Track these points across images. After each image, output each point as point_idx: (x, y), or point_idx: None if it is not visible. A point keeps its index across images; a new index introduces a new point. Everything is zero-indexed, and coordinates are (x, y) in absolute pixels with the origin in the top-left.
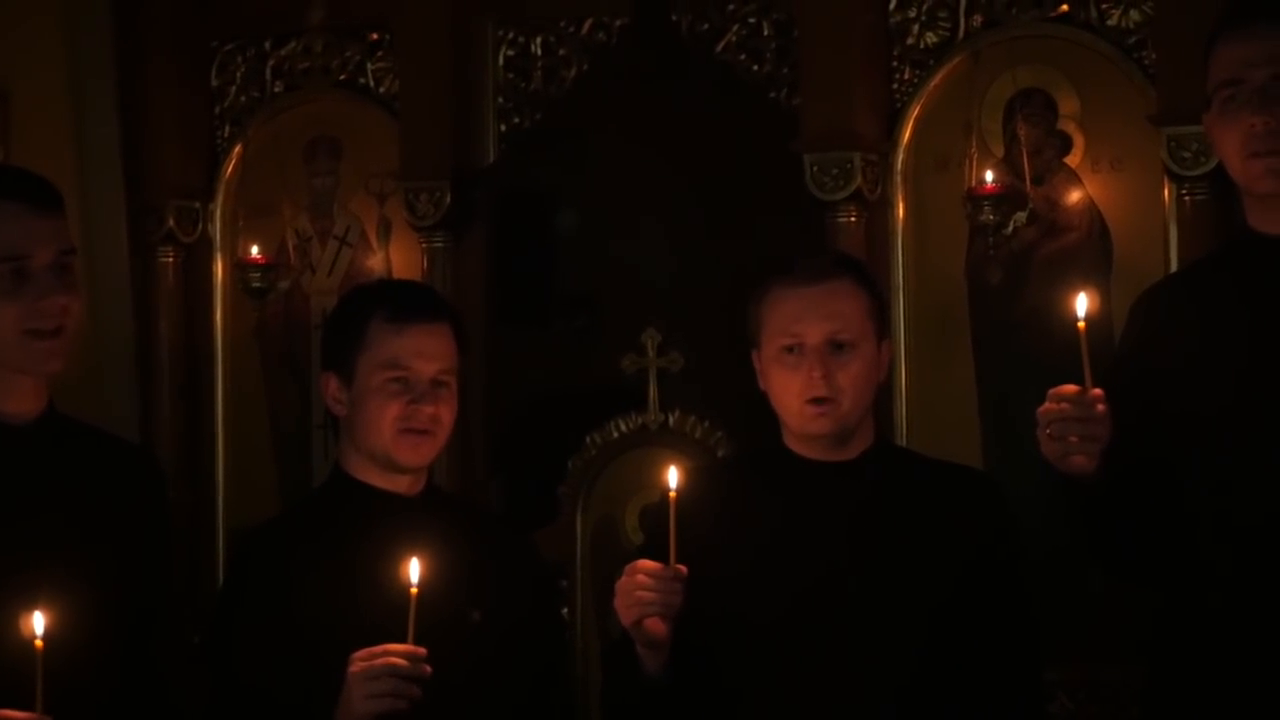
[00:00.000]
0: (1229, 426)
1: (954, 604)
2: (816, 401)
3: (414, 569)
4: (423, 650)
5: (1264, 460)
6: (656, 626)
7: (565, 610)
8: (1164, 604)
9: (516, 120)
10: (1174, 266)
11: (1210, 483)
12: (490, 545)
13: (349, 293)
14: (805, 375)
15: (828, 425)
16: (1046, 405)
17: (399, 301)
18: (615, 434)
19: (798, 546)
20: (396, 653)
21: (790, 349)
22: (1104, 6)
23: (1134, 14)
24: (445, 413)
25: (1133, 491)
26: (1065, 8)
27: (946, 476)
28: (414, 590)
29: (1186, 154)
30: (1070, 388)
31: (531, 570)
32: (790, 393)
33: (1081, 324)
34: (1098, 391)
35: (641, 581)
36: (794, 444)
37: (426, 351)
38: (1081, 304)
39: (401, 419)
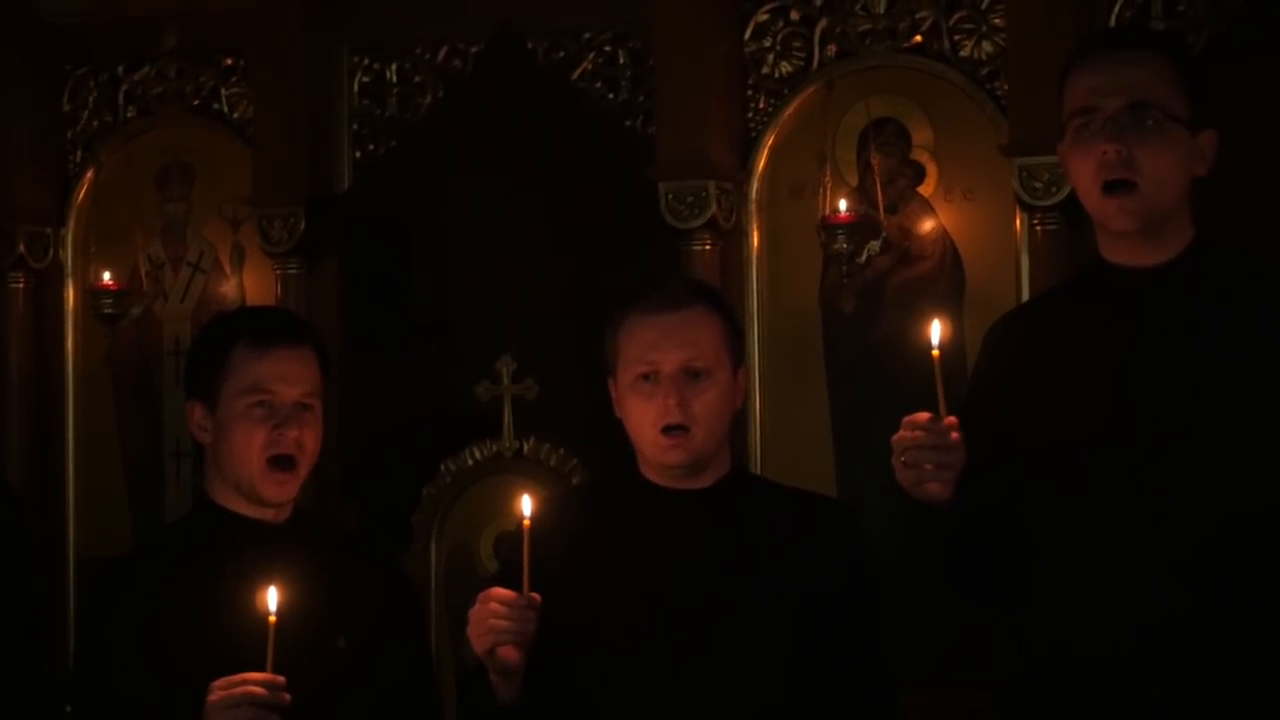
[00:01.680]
0: (1082, 454)
1: (807, 631)
2: (671, 431)
3: (271, 597)
4: (281, 679)
5: (1116, 486)
6: (510, 654)
7: None
8: (1016, 631)
9: (371, 147)
10: (1026, 295)
11: (1063, 510)
12: (356, 571)
13: (211, 320)
14: (661, 403)
15: (682, 456)
16: (901, 433)
17: (261, 327)
18: (470, 461)
19: (652, 575)
20: (255, 681)
21: (646, 377)
22: (956, 38)
23: (986, 45)
24: (310, 437)
25: (986, 519)
26: (919, 38)
27: (802, 504)
28: (272, 619)
29: (1038, 184)
30: (924, 415)
31: (399, 595)
32: (646, 421)
33: (935, 351)
34: (952, 419)
35: (495, 610)
36: (649, 471)
37: (289, 375)
38: (935, 331)
39: (267, 445)
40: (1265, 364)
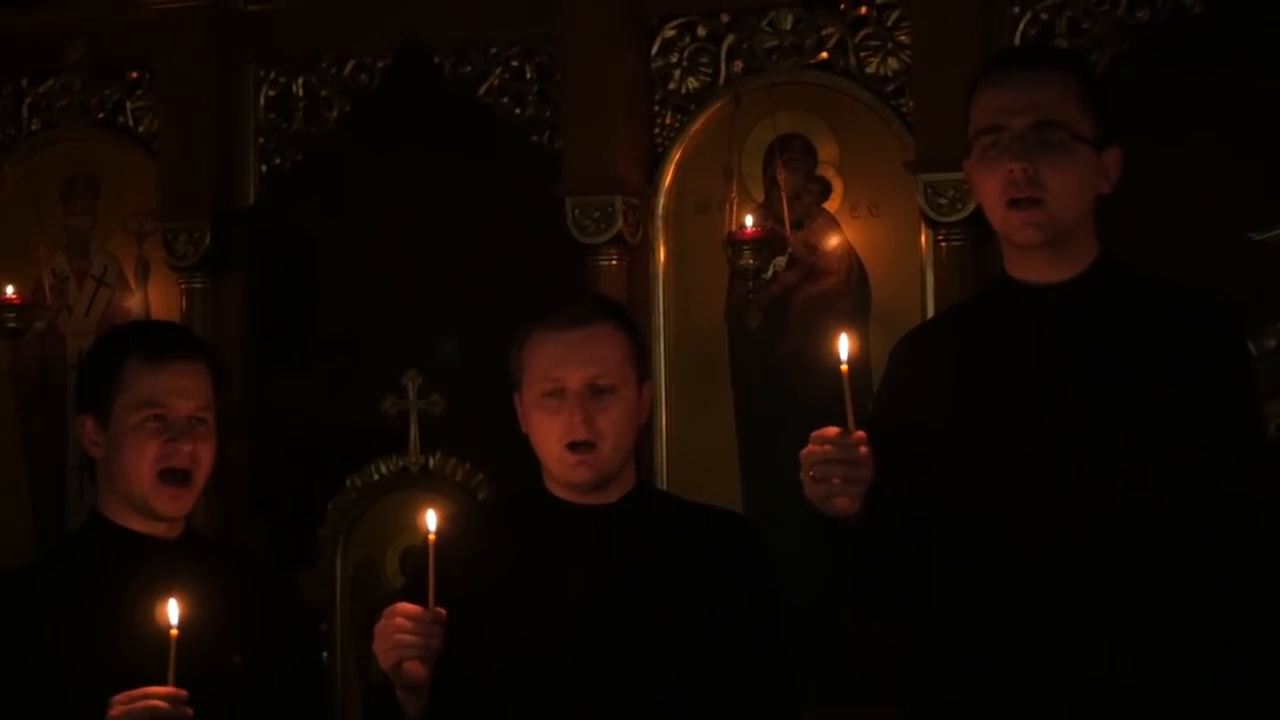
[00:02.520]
0: (986, 470)
1: (712, 646)
2: (577, 447)
3: (173, 610)
4: (183, 692)
5: (1022, 506)
6: (416, 669)
7: (325, 654)
8: (920, 648)
9: (278, 161)
10: (931, 311)
11: (971, 532)
12: (251, 587)
13: (104, 334)
14: (566, 419)
15: (588, 473)
16: (809, 447)
17: (154, 341)
18: (376, 476)
19: (557, 590)
20: (157, 695)
21: (552, 393)
22: (863, 54)
23: (892, 62)
24: (204, 451)
25: (893, 535)
26: (825, 55)
27: (707, 520)
28: (174, 632)
29: (943, 200)
30: (833, 430)
31: (293, 612)
32: (551, 437)
33: (844, 366)
34: (860, 434)
35: (400, 625)
36: (554, 487)
37: (183, 390)
38: (844, 346)
39: (160, 459)
40: (1169, 382)
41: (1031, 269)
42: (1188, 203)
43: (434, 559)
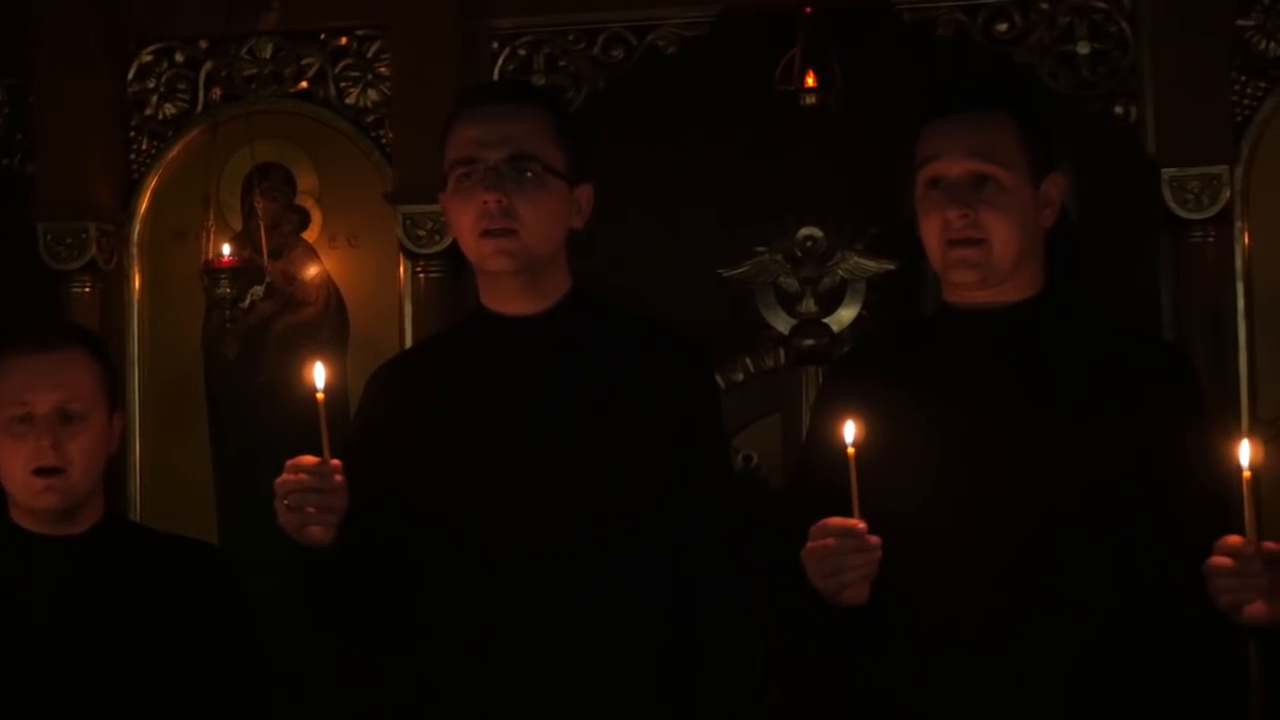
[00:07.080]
0: (454, 496)
1: (180, 681)
2: (44, 473)
3: (319, 374)
4: (335, 462)
5: (482, 531)
6: None
7: None
8: (403, 674)
9: None
10: (409, 341)
11: (435, 555)
12: None
13: None
14: (33, 445)
15: (55, 500)
16: (284, 476)
17: None
18: None
19: (18, 623)
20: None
21: (20, 418)
22: (343, 85)
23: (372, 93)
24: None
25: (372, 561)
26: (305, 84)
27: (177, 551)
28: (320, 395)
29: (421, 232)
30: (309, 459)
31: None
32: (18, 463)
33: (320, 394)
34: (336, 462)
35: None
36: (20, 517)
37: None
38: (319, 374)
39: None
40: (633, 415)
41: (505, 300)
42: (661, 238)
43: None
